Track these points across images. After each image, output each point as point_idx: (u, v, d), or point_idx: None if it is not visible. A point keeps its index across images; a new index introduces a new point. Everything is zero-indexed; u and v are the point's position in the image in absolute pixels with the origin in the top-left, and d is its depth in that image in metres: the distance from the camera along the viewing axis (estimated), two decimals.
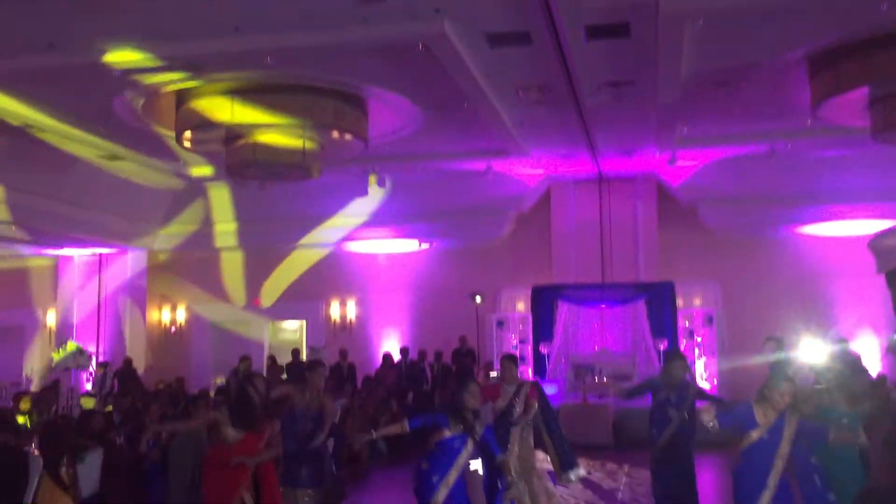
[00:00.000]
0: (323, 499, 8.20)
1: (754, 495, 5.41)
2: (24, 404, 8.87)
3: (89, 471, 7.58)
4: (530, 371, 17.13)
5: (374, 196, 17.62)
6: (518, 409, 8.00)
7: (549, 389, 16.46)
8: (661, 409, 8.03)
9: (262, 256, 19.79)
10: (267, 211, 18.38)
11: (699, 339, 16.56)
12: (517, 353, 17.27)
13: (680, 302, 16.84)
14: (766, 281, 17.30)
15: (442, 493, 5.92)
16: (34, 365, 19.19)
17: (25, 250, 19.08)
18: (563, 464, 8.26)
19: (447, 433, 6.10)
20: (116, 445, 7.99)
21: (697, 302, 17.06)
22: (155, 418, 8.75)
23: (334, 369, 16.46)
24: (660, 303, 16.66)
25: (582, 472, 8.66)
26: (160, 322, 20.32)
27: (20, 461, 6.80)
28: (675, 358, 8.30)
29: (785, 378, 7.05)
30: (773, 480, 5.37)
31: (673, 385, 7.98)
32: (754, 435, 5.46)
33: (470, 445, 6.04)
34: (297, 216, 18.43)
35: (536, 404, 8.30)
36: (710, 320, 16.55)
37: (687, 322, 16.73)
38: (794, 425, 5.44)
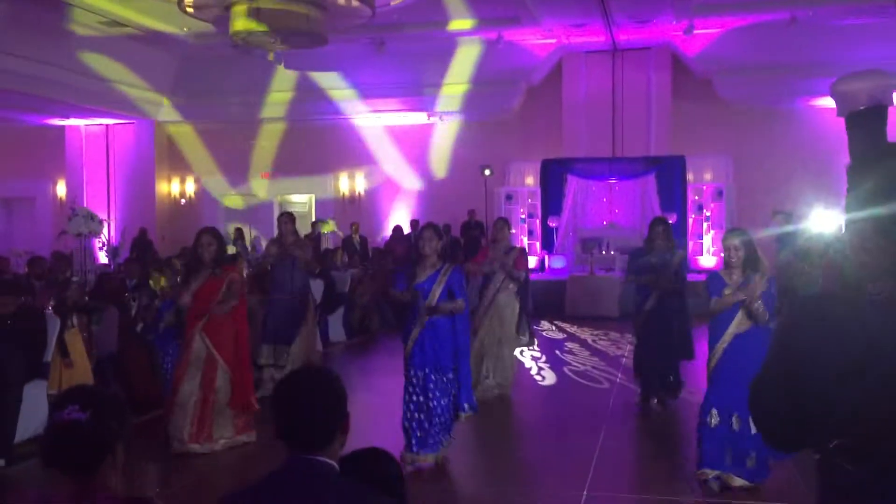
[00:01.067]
0: (304, 357, 8.43)
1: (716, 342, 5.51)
2: (39, 269, 9.01)
3: (106, 331, 7.77)
4: (539, 245, 17.25)
5: (382, 67, 17.29)
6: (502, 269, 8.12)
7: (557, 262, 16.70)
8: (638, 272, 7.79)
9: (269, 129, 19.61)
10: (275, 82, 18.09)
11: (708, 214, 16.54)
12: (525, 227, 17.38)
13: (690, 176, 16.72)
14: (779, 155, 17.10)
15: (409, 345, 5.99)
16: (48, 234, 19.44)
17: (33, 120, 18.95)
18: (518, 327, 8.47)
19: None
20: (131, 307, 8.14)
21: (708, 176, 16.94)
22: (172, 282, 8.88)
23: (346, 242, 16.60)
24: (670, 177, 16.53)
25: (525, 343, 8.90)
26: (170, 194, 20.38)
27: (39, 321, 6.97)
28: (654, 224, 7.90)
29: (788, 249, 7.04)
30: (732, 329, 5.41)
31: (654, 252, 7.70)
32: (726, 292, 5.48)
33: (435, 292, 5.97)
34: (306, 88, 18.14)
35: (524, 274, 8.37)
36: (719, 194, 16.48)
37: (697, 196, 16.67)
38: (763, 284, 5.45)
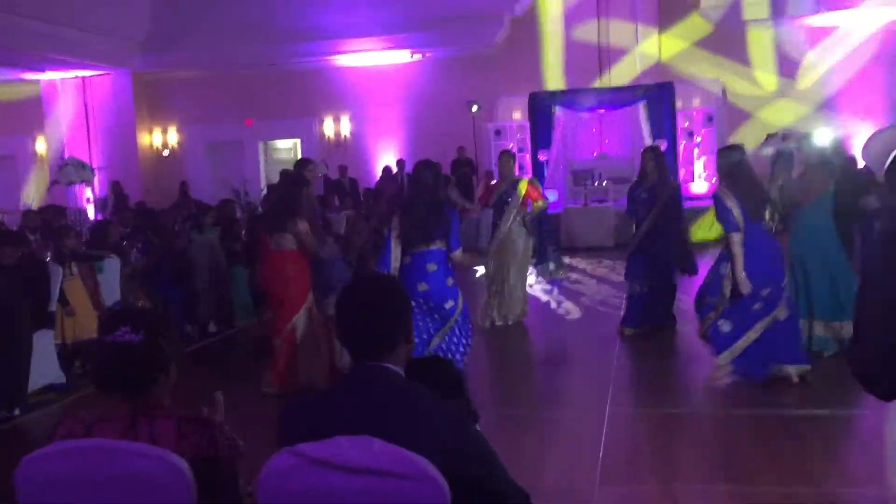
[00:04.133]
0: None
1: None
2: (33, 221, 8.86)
3: (109, 280, 7.68)
4: None
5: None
6: (513, 200, 8.03)
7: (550, 196, 16.58)
8: (633, 205, 7.81)
9: (250, 74, 19.23)
10: (253, 25, 17.69)
11: (699, 139, 16.47)
12: (516, 162, 17.24)
13: (679, 103, 16.58)
14: (766, 77, 17.00)
15: None
16: (31, 191, 19.15)
17: (7, 75, 18.47)
18: (539, 256, 8.51)
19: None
20: (130, 256, 8.04)
21: (697, 102, 16.80)
22: (167, 229, 8.77)
23: (335, 184, 16.44)
24: (659, 105, 16.37)
25: (552, 272, 8.94)
26: (152, 145, 20.04)
27: (42, 271, 6.87)
28: (645, 154, 7.81)
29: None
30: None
31: (644, 180, 7.69)
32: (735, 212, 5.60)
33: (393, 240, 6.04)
34: (286, 30, 17.75)
35: (543, 203, 8.34)
36: (709, 119, 16.38)
37: (687, 123, 16.57)
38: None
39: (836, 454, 4.72)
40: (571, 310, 9.35)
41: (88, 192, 17.16)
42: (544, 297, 10.04)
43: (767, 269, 5.62)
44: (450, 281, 5.98)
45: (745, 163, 5.84)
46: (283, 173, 7.80)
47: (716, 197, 5.76)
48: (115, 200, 16.25)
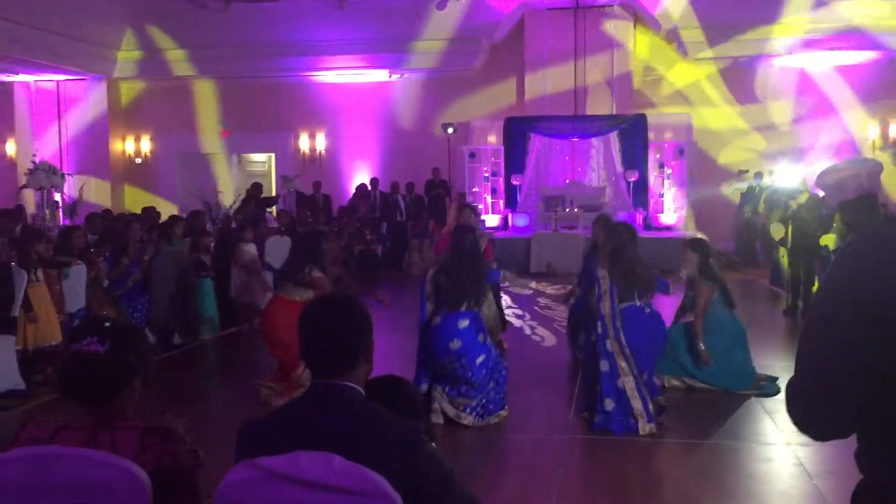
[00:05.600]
0: None
1: None
2: None
3: (74, 286, 7.62)
4: (502, 203, 17.29)
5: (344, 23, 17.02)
6: None
7: (520, 220, 16.77)
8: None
9: (227, 87, 19.22)
10: (232, 38, 17.71)
11: (669, 171, 16.72)
12: (489, 185, 17.39)
13: (651, 135, 16.85)
14: (740, 113, 17.34)
15: None
16: None
17: None
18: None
19: None
20: (98, 262, 7.98)
21: (669, 135, 17.08)
22: (137, 239, 8.73)
23: (308, 200, 16.45)
24: (632, 135, 16.67)
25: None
26: (124, 152, 19.90)
27: (6, 274, 6.81)
28: (594, 223, 7.61)
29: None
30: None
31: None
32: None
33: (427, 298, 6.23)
34: (265, 44, 17.79)
35: (492, 263, 8.05)
36: (680, 152, 16.65)
37: (658, 154, 16.82)
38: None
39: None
40: (546, 336, 9.42)
41: (58, 197, 16.97)
42: (517, 323, 10.10)
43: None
44: (481, 337, 5.99)
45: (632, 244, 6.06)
46: (255, 185, 7.88)
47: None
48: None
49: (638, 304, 5.96)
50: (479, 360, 5.89)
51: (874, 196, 3.58)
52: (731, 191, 16.36)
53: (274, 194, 17.55)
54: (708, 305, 6.67)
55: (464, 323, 5.89)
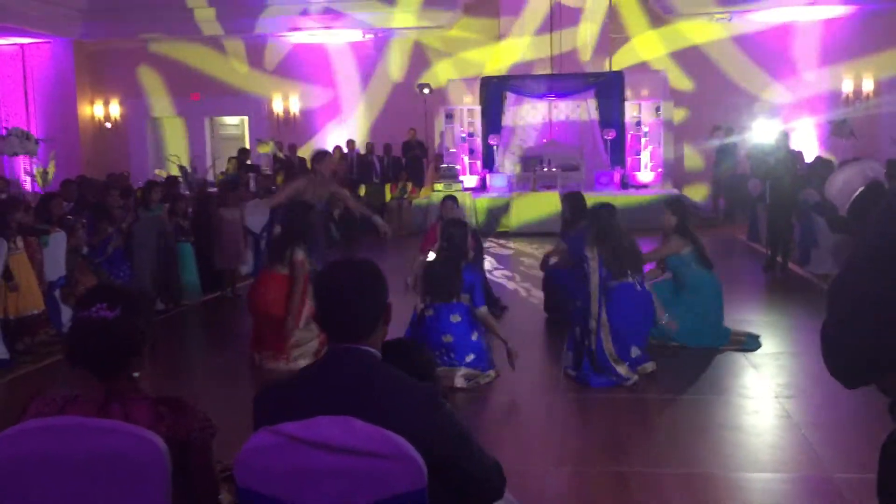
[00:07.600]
0: None
1: None
2: None
3: (54, 254, 7.49)
4: (479, 164, 17.21)
5: None
6: None
7: (499, 181, 16.72)
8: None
9: (198, 48, 18.84)
10: None
11: (646, 129, 16.72)
12: (466, 146, 17.28)
13: (628, 92, 16.80)
14: (715, 70, 17.35)
15: None
16: None
17: None
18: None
19: None
20: (78, 230, 7.86)
21: (645, 92, 17.03)
22: (115, 204, 8.59)
23: (284, 162, 16.26)
24: (609, 93, 16.61)
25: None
26: (93, 117, 19.51)
27: None
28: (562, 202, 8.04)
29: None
30: None
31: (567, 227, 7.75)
32: None
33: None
34: (234, 2, 17.42)
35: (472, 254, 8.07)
36: (657, 110, 16.64)
37: (636, 112, 16.79)
38: None
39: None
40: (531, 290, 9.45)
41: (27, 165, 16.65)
42: (510, 286, 10.09)
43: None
44: (474, 335, 6.00)
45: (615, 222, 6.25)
46: (241, 151, 7.78)
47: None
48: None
49: (630, 280, 6.17)
50: (469, 358, 5.95)
51: (881, 183, 3.75)
52: (707, 147, 16.46)
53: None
54: (670, 255, 6.92)
55: (456, 318, 5.96)
